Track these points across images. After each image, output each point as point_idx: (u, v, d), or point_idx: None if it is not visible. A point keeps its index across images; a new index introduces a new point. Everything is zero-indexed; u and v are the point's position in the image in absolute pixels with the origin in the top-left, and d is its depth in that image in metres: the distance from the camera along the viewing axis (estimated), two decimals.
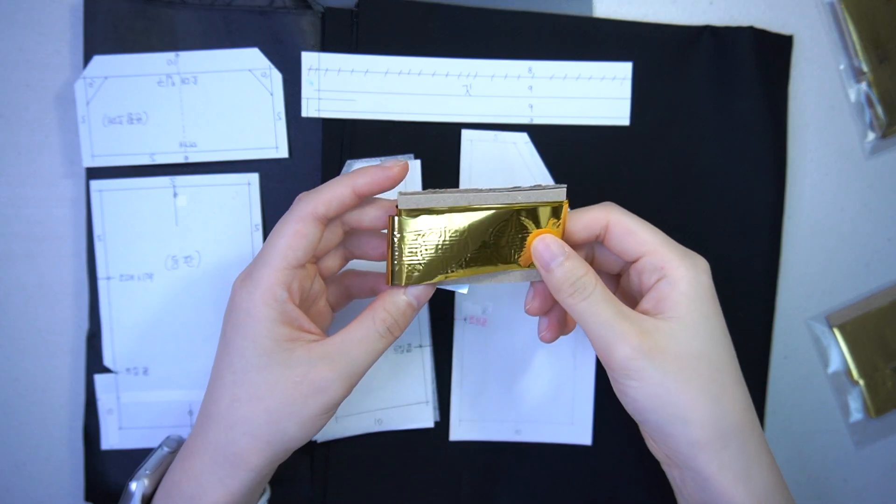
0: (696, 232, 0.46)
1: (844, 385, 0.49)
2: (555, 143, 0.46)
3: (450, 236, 0.36)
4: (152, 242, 0.45)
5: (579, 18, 0.46)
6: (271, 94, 0.45)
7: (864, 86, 0.48)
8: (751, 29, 0.45)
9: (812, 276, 0.49)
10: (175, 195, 0.45)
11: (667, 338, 0.34)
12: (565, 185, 0.36)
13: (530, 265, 0.37)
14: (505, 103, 0.45)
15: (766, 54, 0.46)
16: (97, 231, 0.45)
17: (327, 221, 0.36)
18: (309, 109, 0.45)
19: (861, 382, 0.49)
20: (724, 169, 0.46)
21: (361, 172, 0.36)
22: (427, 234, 0.36)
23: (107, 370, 0.45)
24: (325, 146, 0.45)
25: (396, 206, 0.36)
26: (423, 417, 0.46)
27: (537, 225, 0.37)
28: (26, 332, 0.46)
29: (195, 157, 0.45)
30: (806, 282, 0.48)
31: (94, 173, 0.45)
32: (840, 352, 0.49)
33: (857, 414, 0.49)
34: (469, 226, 0.36)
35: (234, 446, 0.35)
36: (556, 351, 0.46)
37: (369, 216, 0.38)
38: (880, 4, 0.47)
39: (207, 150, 0.45)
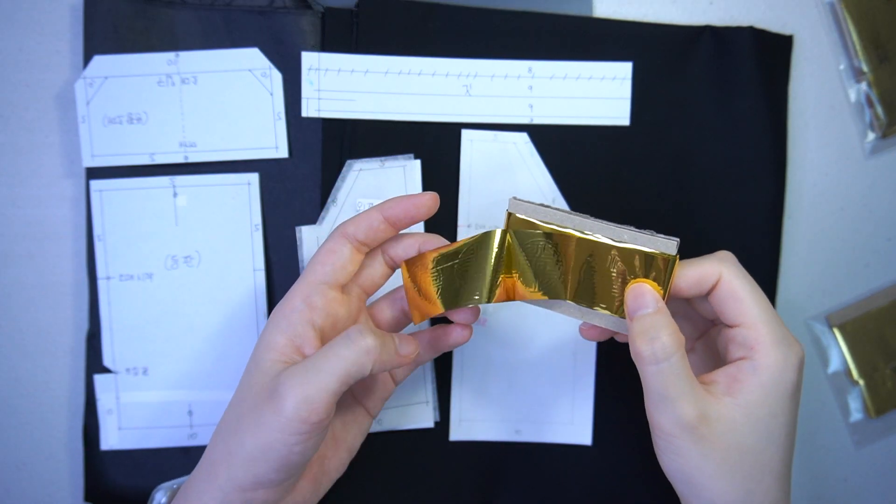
0: (697, 232, 0.46)
1: (844, 385, 0.49)
2: (555, 143, 0.46)
3: (546, 255, 0.35)
4: (152, 242, 0.45)
5: (579, 18, 0.46)
6: (271, 94, 0.45)
7: (864, 86, 0.48)
8: (751, 29, 0.45)
9: (812, 276, 0.49)
10: (175, 195, 0.45)
11: (724, 429, 0.33)
12: (678, 240, 0.34)
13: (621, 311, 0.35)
14: (505, 103, 0.45)
15: (766, 54, 0.46)
16: (97, 231, 0.45)
17: (360, 246, 0.36)
18: (309, 109, 0.45)
19: (861, 382, 0.49)
20: (724, 169, 0.46)
21: (392, 201, 0.36)
22: (528, 251, 0.36)
23: (106, 370, 0.45)
24: (325, 146, 0.45)
25: (508, 213, 0.36)
26: (423, 417, 0.46)
27: (638, 271, 0.35)
28: (26, 332, 0.46)
29: (195, 157, 0.45)
30: (806, 282, 0.48)
31: (94, 173, 0.45)
32: (840, 352, 0.49)
33: (857, 414, 0.49)
34: (569, 250, 0.35)
35: (210, 452, 0.35)
36: (556, 351, 0.46)
37: (407, 250, 0.37)
38: (880, 4, 0.47)
39: (207, 150, 0.45)
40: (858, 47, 0.47)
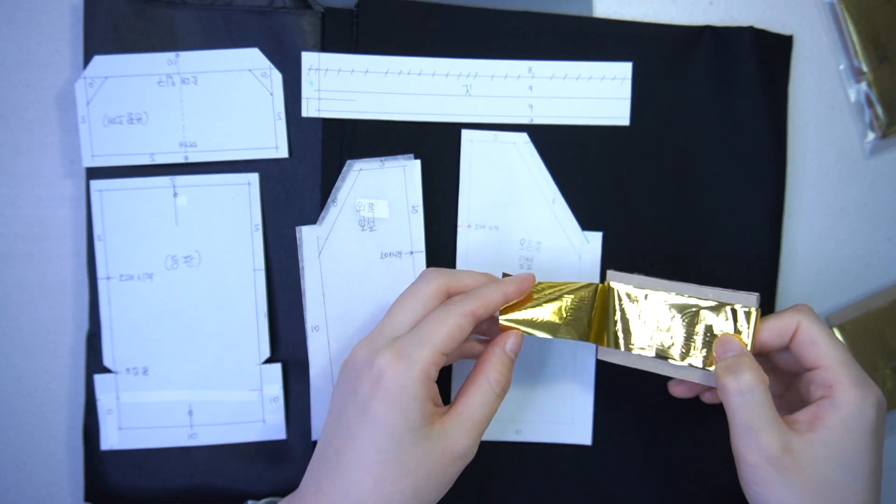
0: (696, 232, 0.46)
1: None
2: (555, 143, 0.46)
3: (636, 316, 0.39)
4: (152, 242, 0.45)
5: (579, 18, 0.46)
6: (271, 94, 0.45)
7: (864, 86, 0.48)
8: (751, 29, 0.45)
9: (812, 276, 0.49)
10: (175, 195, 0.45)
11: (807, 462, 0.35)
12: (758, 294, 0.38)
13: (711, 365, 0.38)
14: (505, 103, 0.45)
15: (766, 54, 0.46)
16: (97, 231, 0.45)
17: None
18: (309, 109, 0.45)
19: None
20: (724, 169, 0.46)
21: (512, 283, 0.39)
22: (620, 312, 0.40)
23: (107, 370, 0.45)
24: (325, 146, 0.45)
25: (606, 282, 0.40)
26: None
27: (725, 326, 0.38)
28: (26, 332, 0.46)
29: (195, 157, 0.45)
30: (806, 282, 0.48)
31: (94, 173, 0.45)
32: None
33: None
34: (660, 311, 0.39)
35: None
36: (556, 351, 0.46)
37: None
38: (880, 4, 0.47)
39: (207, 150, 0.45)
40: (858, 47, 0.47)
